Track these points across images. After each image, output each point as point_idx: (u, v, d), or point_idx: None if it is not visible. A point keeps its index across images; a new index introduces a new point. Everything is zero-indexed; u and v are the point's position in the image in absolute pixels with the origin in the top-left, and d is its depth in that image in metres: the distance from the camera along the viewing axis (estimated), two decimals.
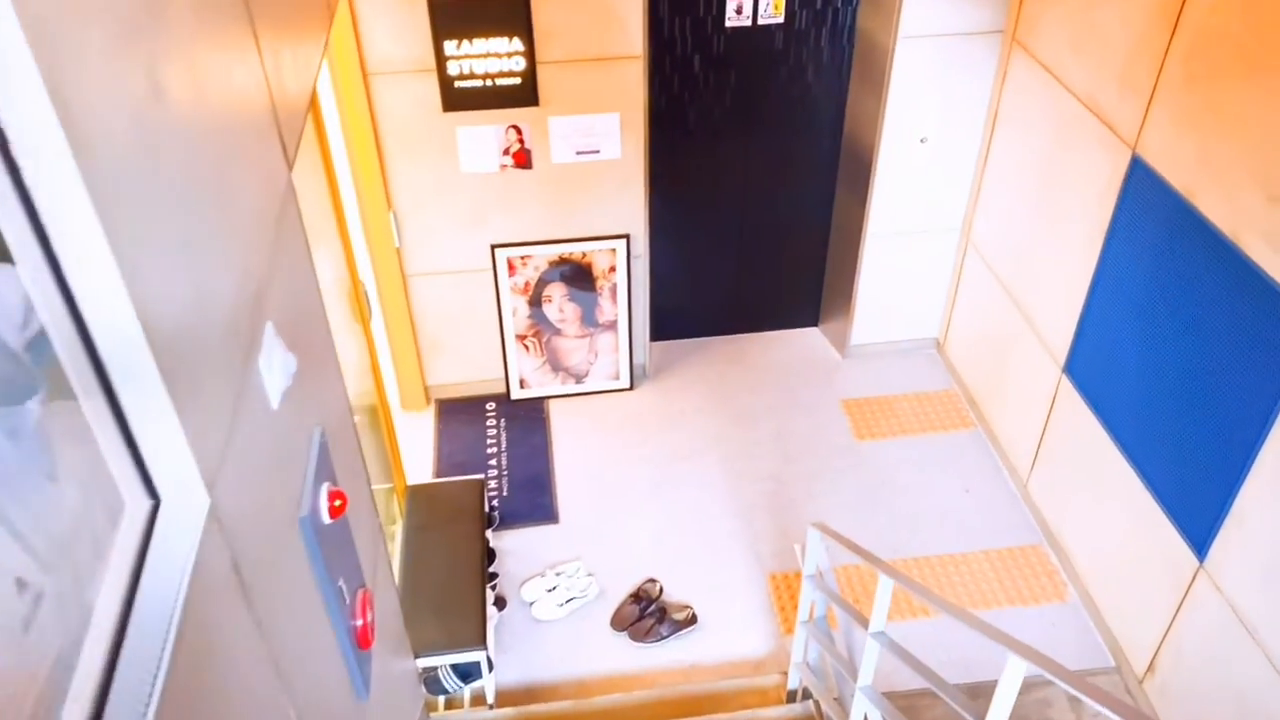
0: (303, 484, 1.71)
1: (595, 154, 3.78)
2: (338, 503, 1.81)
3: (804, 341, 4.75)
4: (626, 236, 4.02)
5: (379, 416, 3.41)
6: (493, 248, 3.97)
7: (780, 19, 3.83)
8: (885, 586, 2.14)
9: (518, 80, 3.53)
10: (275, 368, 1.53)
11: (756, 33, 3.85)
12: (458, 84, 3.51)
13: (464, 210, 3.86)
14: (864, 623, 2.25)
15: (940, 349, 4.60)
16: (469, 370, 4.37)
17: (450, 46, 3.43)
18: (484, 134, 3.66)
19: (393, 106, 3.56)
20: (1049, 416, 3.62)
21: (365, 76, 3.46)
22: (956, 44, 3.70)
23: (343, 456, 2.06)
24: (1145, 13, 2.81)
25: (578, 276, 4.10)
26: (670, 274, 4.49)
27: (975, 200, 4.07)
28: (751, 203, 4.32)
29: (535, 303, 4.15)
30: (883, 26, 3.70)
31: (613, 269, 4.10)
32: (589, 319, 4.22)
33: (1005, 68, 3.70)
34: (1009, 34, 3.65)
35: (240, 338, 1.37)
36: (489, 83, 3.52)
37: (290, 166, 1.87)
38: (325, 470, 1.82)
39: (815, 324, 4.82)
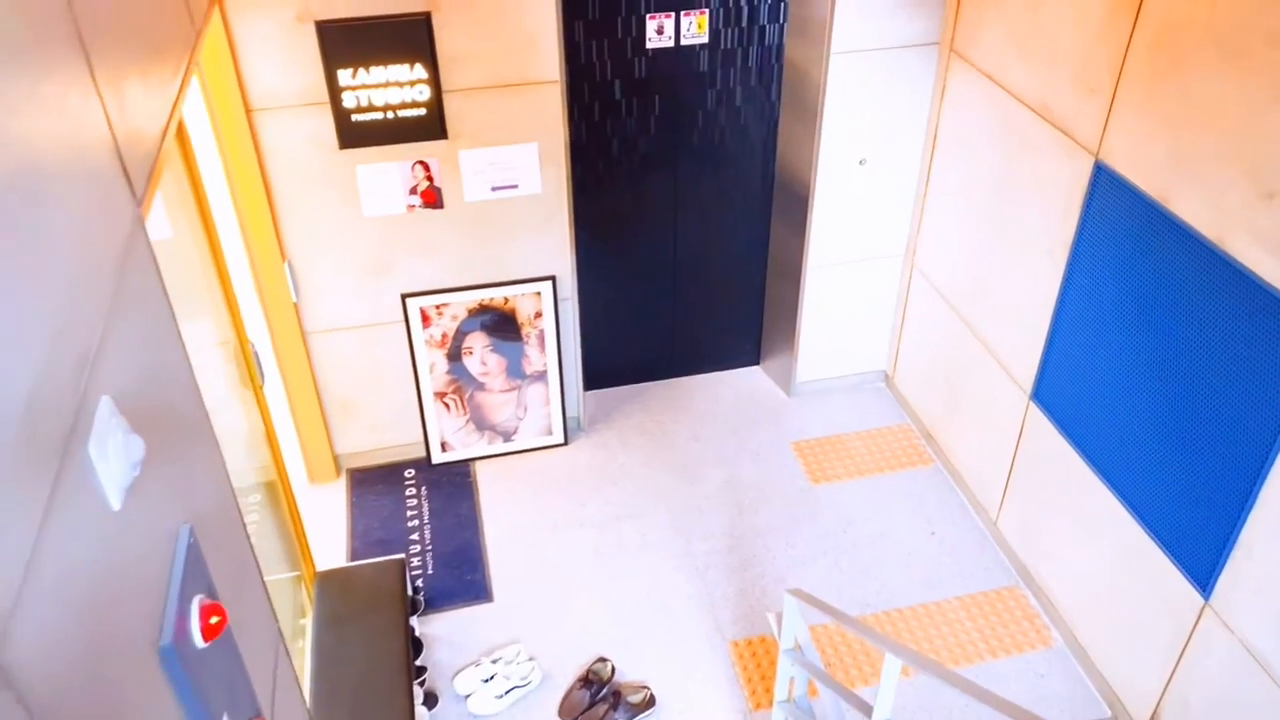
0: (163, 602, 1.34)
1: (513, 189, 3.48)
2: (214, 619, 1.43)
3: (747, 382, 4.50)
4: (552, 278, 3.72)
5: (279, 493, 3.00)
6: (403, 297, 3.62)
7: (704, 39, 3.62)
8: (891, 668, 1.84)
9: (422, 111, 3.22)
10: (114, 455, 1.16)
11: (680, 54, 3.63)
12: (355, 117, 3.18)
13: (369, 258, 3.51)
14: (862, 708, 1.95)
15: (890, 382, 4.39)
16: (383, 434, 3.98)
17: (344, 76, 3.11)
18: (387, 172, 3.33)
19: (282, 145, 3.20)
20: (1017, 448, 3.42)
21: (248, 113, 3.11)
22: (891, 59, 3.54)
23: (224, 556, 1.68)
24: (1101, 6, 2.66)
25: (500, 325, 3.77)
26: (601, 317, 4.20)
27: (919, 223, 3.90)
28: (684, 237, 4.07)
29: (454, 356, 3.80)
30: (812, 43, 3.52)
31: (539, 314, 3.79)
32: (515, 371, 3.89)
33: (944, 80, 3.55)
34: (946, 44, 3.50)
35: (53, 418, 1.02)
36: (390, 115, 3.20)
37: (141, 206, 1.52)
38: (197, 580, 1.44)
39: (757, 362, 4.57)
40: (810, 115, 3.64)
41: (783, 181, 3.96)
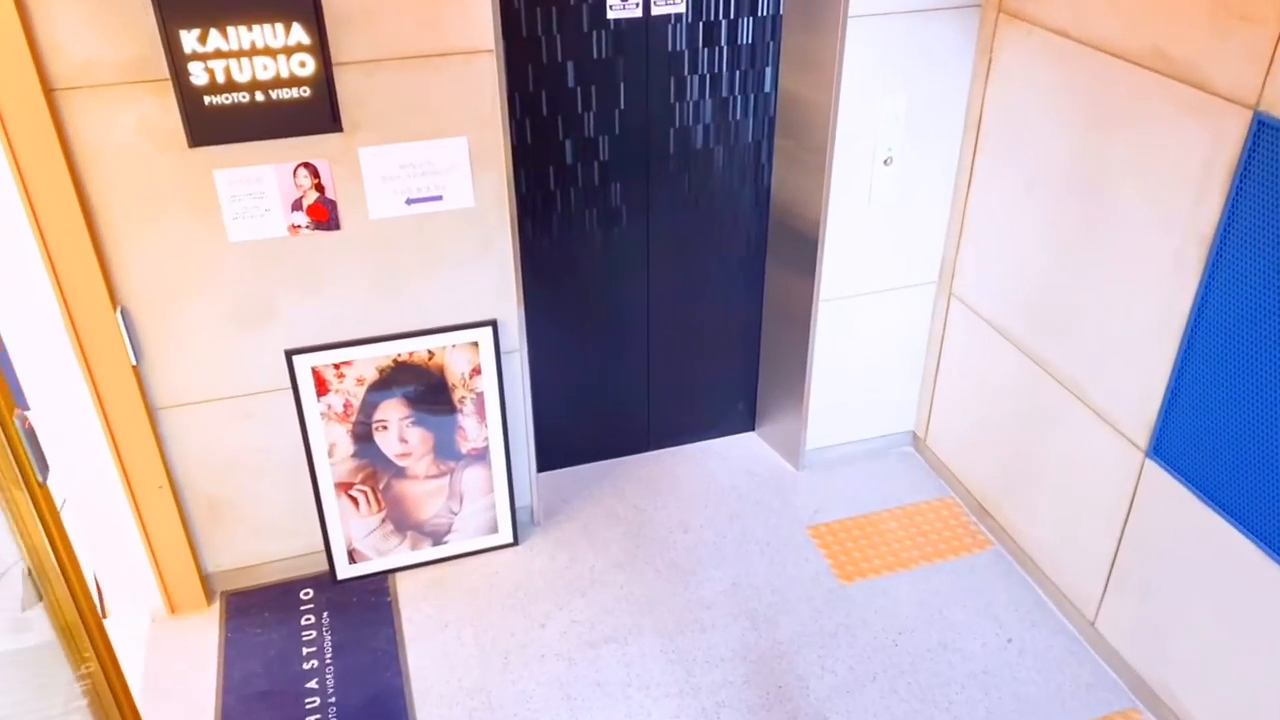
0: None
1: (436, 201, 2.64)
2: None
3: (743, 453, 3.64)
4: (492, 323, 2.86)
5: (90, 645, 2.03)
6: (289, 355, 2.72)
7: (680, 7, 2.86)
8: None
9: (305, 92, 2.38)
10: None
11: (651, 28, 2.86)
12: (209, 100, 2.32)
13: (239, 300, 2.61)
14: None
15: (921, 445, 3.58)
16: (269, 543, 3.02)
17: (190, 40, 2.25)
18: (259, 179, 2.47)
19: (103, 143, 2.32)
20: (1127, 521, 2.61)
21: (48, 95, 2.23)
22: (921, 26, 2.81)
23: None
24: None
25: (424, 388, 2.88)
26: (557, 375, 3.33)
27: (959, 237, 3.14)
28: (659, 269, 3.25)
29: (363, 433, 2.89)
30: (822, 7, 2.78)
31: (475, 372, 2.91)
32: (446, 449, 2.99)
33: (991, 50, 2.83)
34: (993, 4, 2.79)
35: None
36: (260, 97, 2.35)
37: None
38: None
39: (753, 428, 3.73)
40: (820, 106, 2.89)
41: (783, 196, 3.18)
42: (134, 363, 2.58)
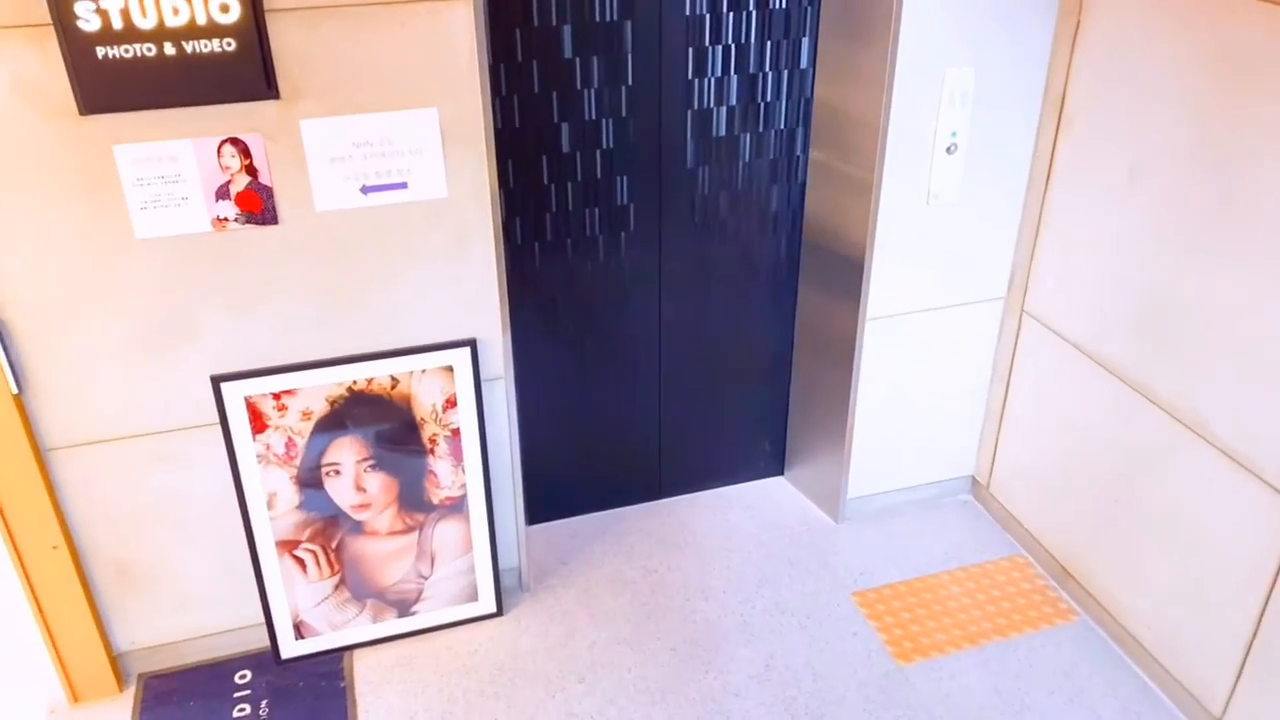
0: None
1: (399, 189, 2.14)
2: None
3: (770, 501, 3.12)
4: (470, 344, 2.35)
5: None
6: (216, 382, 2.20)
7: None
8: None
9: (229, 45, 1.89)
10: None
11: None
12: (104, 52, 1.83)
13: (150, 312, 2.10)
14: None
15: (983, 493, 3.05)
16: (195, 616, 2.48)
17: None
18: (173, 158, 1.97)
19: None
20: (1272, 590, 2.08)
21: None
22: None
23: None
24: None
25: (387, 424, 2.37)
26: (550, 408, 2.82)
27: (1034, 242, 2.64)
28: (672, 281, 2.75)
29: (310, 479, 2.36)
30: None
31: (450, 404, 2.39)
32: (413, 499, 2.46)
33: (1079, 6, 2.35)
34: None
35: None
36: (170, 49, 1.86)
37: None
38: None
39: (781, 472, 3.20)
40: (870, 84, 2.40)
41: (822, 192, 2.69)
42: (15, 391, 2.06)
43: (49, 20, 1.79)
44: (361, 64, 2.00)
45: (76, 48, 1.81)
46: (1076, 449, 2.61)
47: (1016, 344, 2.78)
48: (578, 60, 2.40)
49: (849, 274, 2.64)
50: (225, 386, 2.22)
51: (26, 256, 1.97)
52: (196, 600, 2.46)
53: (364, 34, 1.97)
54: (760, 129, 2.62)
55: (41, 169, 1.91)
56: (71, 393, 2.13)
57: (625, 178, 2.57)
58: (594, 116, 2.47)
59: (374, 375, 2.31)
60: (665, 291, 2.75)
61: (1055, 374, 2.64)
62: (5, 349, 2.02)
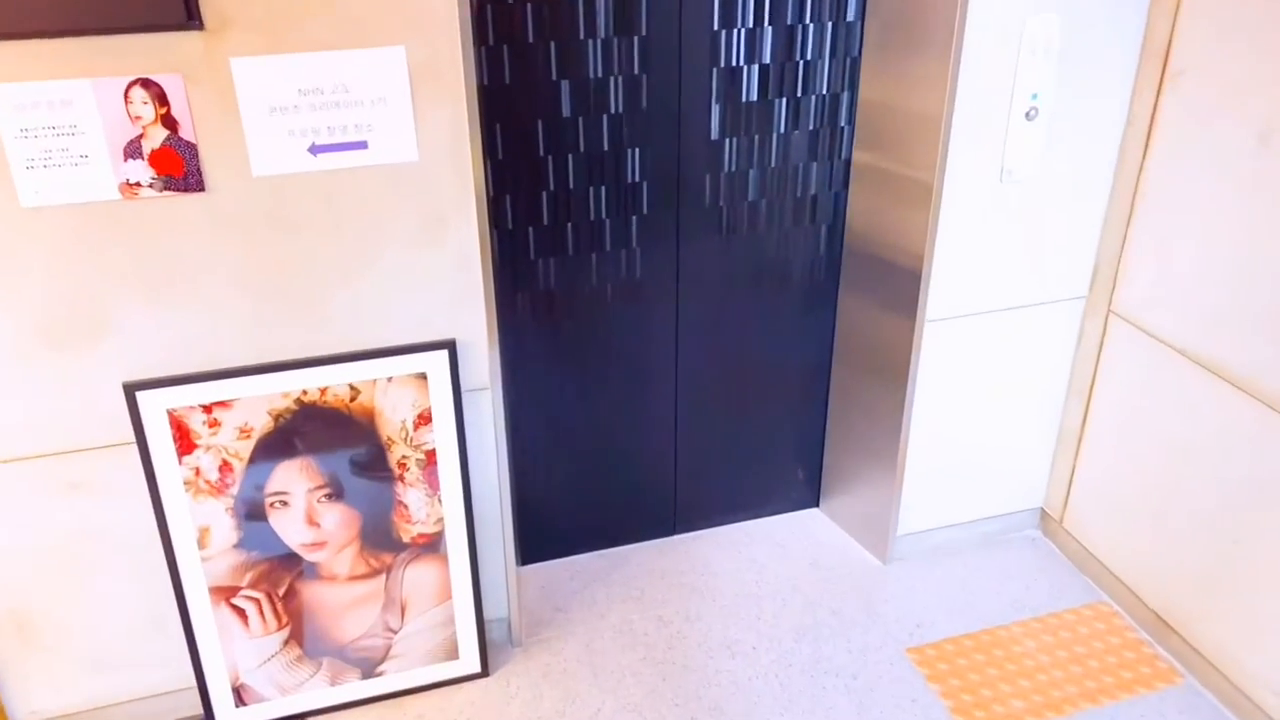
0: None
1: (358, 150, 1.73)
2: None
3: (804, 537, 2.68)
4: (449, 345, 1.92)
5: None
6: (129, 391, 1.78)
7: None
8: None
9: None
10: None
11: None
12: None
13: (43, 302, 1.69)
14: None
15: (1054, 528, 2.62)
16: (112, 677, 2.04)
17: None
18: (66, 103, 1.56)
19: None
20: None
21: None
22: None
23: None
24: None
25: (346, 444, 1.94)
26: (546, 427, 2.40)
27: (1127, 227, 2.22)
28: (692, 278, 2.33)
29: (253, 510, 1.94)
30: None
31: (424, 419, 1.97)
32: (379, 536, 2.03)
33: None
34: None
35: None
36: None
37: None
38: None
39: (816, 503, 2.77)
40: (935, 30, 2.00)
41: (872, 167, 2.28)
42: None
43: None
44: None
45: None
46: (1178, 475, 2.18)
47: (1101, 350, 2.35)
48: (580, 3, 2.00)
49: (903, 268, 2.22)
50: (142, 396, 1.80)
51: None
52: (113, 660, 2.02)
53: None
54: (799, 93, 2.21)
55: None
56: None
57: (637, 150, 2.16)
58: (600, 74, 2.07)
59: (329, 383, 1.89)
60: (684, 288, 2.33)
61: (1152, 385, 2.22)
62: None
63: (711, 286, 2.35)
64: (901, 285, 2.25)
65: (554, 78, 2.05)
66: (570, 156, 2.13)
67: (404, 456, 1.98)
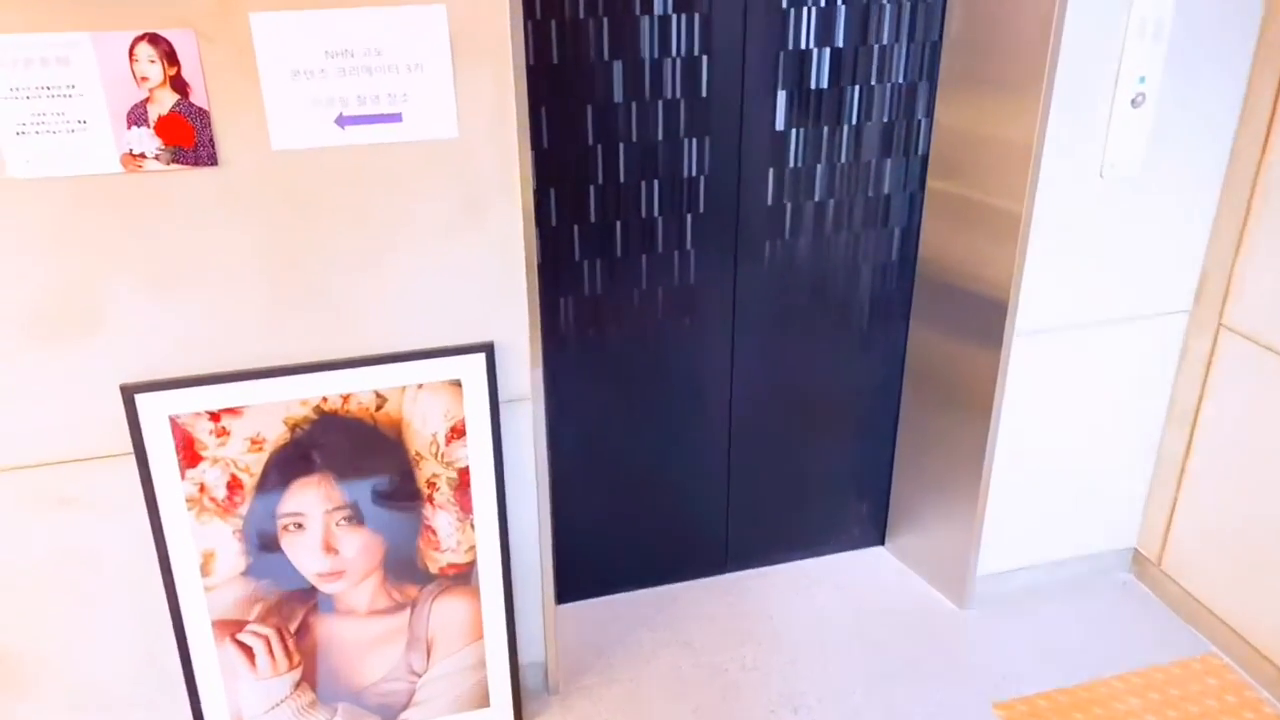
0: None
1: (391, 123, 1.54)
2: None
3: (871, 578, 2.43)
4: (486, 349, 1.72)
5: None
6: (127, 393, 1.58)
7: None
8: None
9: None
10: None
11: None
12: None
13: (32, 288, 1.50)
14: None
15: (1150, 570, 2.36)
16: (102, 718, 1.82)
17: None
18: (63, 60, 1.38)
19: None
20: None
21: None
22: None
23: None
24: None
25: (368, 459, 1.73)
26: (590, 449, 2.18)
27: (1242, 229, 2.00)
28: (750, 289, 2.12)
29: (263, 538, 1.72)
30: None
31: (457, 433, 1.75)
32: (403, 566, 1.81)
33: None
34: None
35: None
36: None
37: None
38: None
39: (881, 540, 2.53)
40: (1032, 9, 1.81)
41: (946, 200, 2.07)
42: None
43: None
44: None
45: None
46: None
47: (1209, 370, 2.12)
48: None
49: (985, 297, 2.00)
50: (141, 400, 1.60)
51: None
52: (104, 701, 1.80)
53: None
54: (873, 80, 2.01)
55: None
56: None
57: (695, 141, 1.97)
58: (656, 54, 1.88)
59: (352, 390, 1.69)
60: (741, 296, 2.12)
61: (1270, 407, 1.98)
62: None
63: (771, 294, 2.14)
64: (983, 312, 2.03)
65: (605, 58, 1.86)
66: (621, 146, 1.93)
67: (434, 475, 1.77)
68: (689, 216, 2.02)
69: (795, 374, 2.24)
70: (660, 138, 1.94)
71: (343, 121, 1.52)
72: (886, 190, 2.12)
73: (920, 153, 2.10)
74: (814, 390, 2.27)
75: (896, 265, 2.19)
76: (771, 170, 2.03)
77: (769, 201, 2.05)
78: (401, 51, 1.50)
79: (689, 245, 2.05)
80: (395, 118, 1.54)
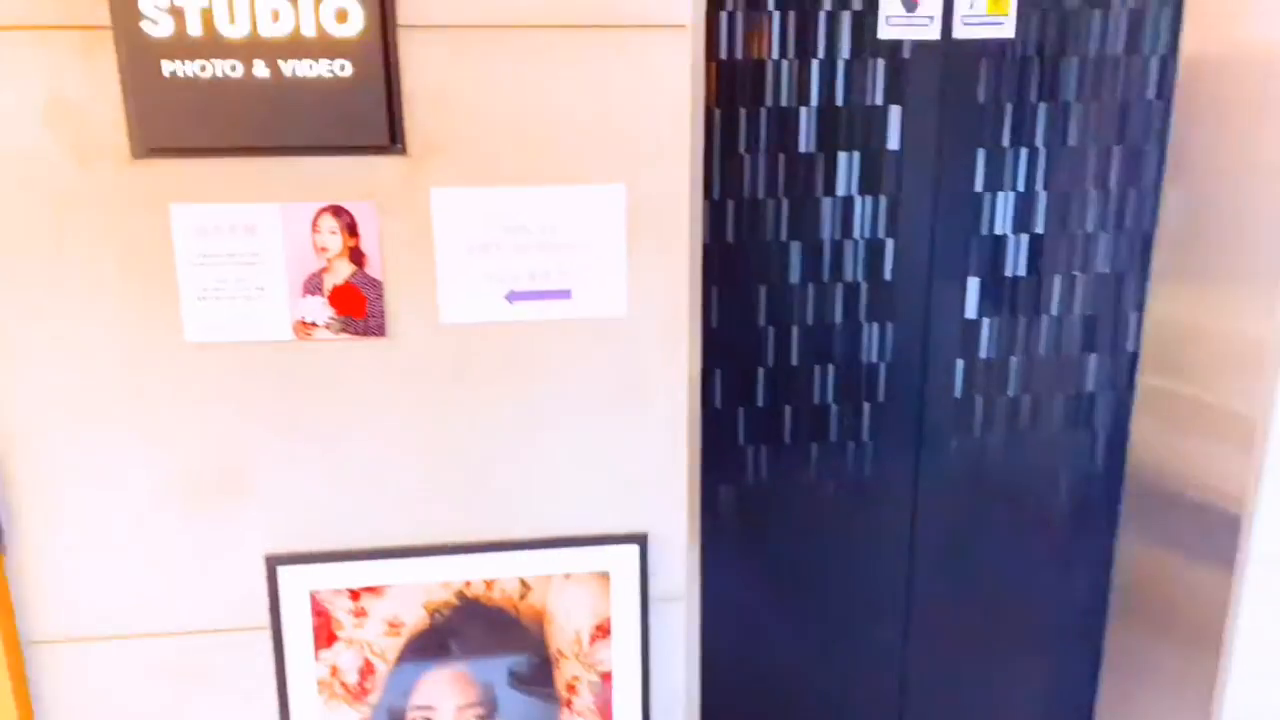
0: None
1: (559, 300, 1.48)
2: None
3: None
4: (640, 541, 1.59)
5: None
6: (271, 564, 1.53)
7: (1006, 25, 1.74)
8: None
9: (343, 69, 1.34)
10: None
11: (951, 57, 1.74)
12: (172, 68, 1.31)
13: (189, 451, 1.48)
14: None
15: None
16: None
17: None
18: (251, 228, 1.40)
19: None
20: None
21: None
22: None
23: None
24: None
25: (507, 653, 1.60)
26: (741, 656, 1.99)
27: None
28: (934, 489, 1.93)
29: None
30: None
31: (602, 632, 1.61)
32: None
33: None
34: None
35: None
36: (262, 70, 1.33)
37: None
38: None
39: None
40: (1263, 206, 1.63)
41: (1162, 398, 1.86)
42: None
43: (106, 21, 1.30)
44: (524, 112, 1.41)
45: (138, 59, 1.30)
46: None
47: None
48: (821, 157, 1.76)
49: (1213, 509, 1.75)
50: (284, 572, 1.54)
51: (31, 359, 1.41)
52: None
53: (534, 68, 1.39)
54: (1075, 269, 1.86)
55: (65, 234, 1.37)
56: (68, 557, 1.50)
57: (876, 326, 1.84)
58: (837, 236, 1.80)
59: (498, 576, 1.58)
60: (923, 497, 1.93)
61: None
62: None
63: (957, 495, 1.94)
64: (1210, 529, 1.77)
65: (783, 238, 1.79)
66: (795, 329, 1.83)
67: (575, 677, 1.62)
68: (867, 405, 1.88)
69: (982, 584, 2.00)
70: (838, 321, 1.83)
71: (512, 297, 1.47)
72: (1090, 387, 1.92)
73: (1130, 348, 1.90)
74: (1004, 604, 2.02)
75: (1102, 469, 1.96)
76: (960, 361, 1.87)
77: (957, 394, 1.89)
78: (577, 229, 1.46)
79: (865, 436, 1.89)
80: (564, 294, 1.49)
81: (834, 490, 1.92)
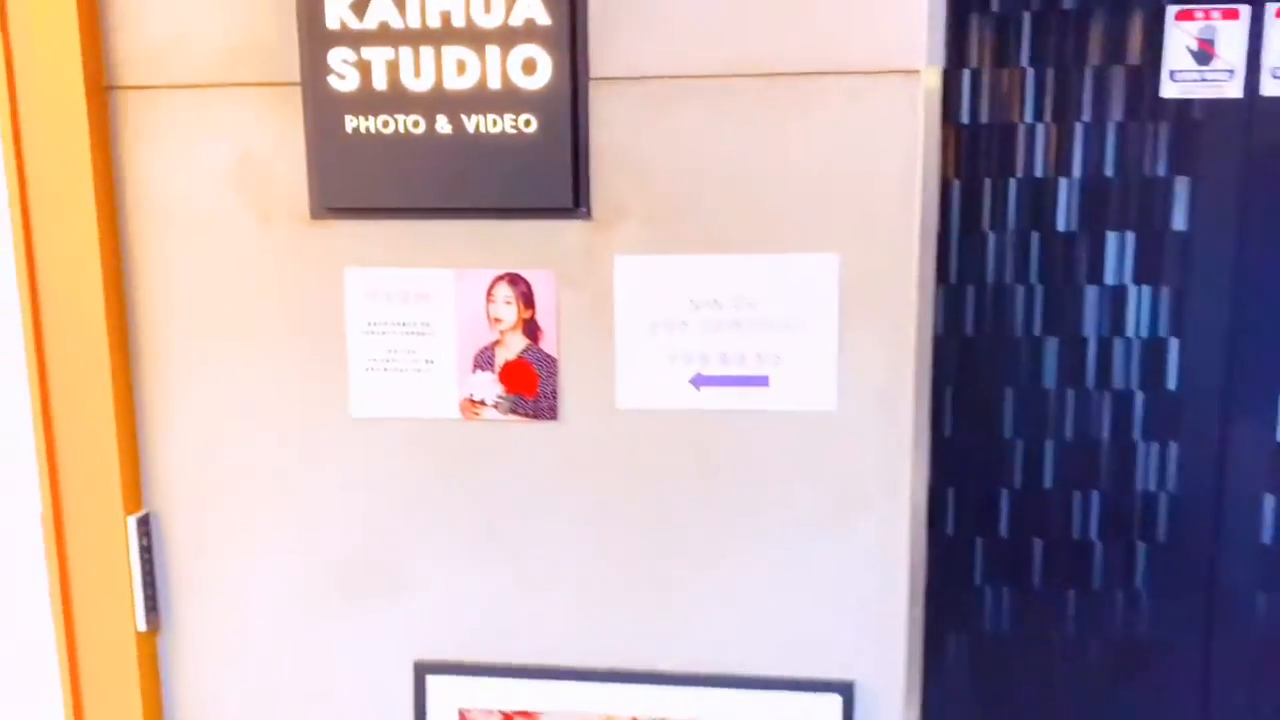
0: None
1: (755, 387, 1.27)
2: None
3: None
4: (844, 689, 1.31)
5: None
6: (420, 672, 1.37)
7: None
8: None
9: (528, 124, 1.22)
10: None
11: (1257, 119, 1.42)
12: (356, 124, 1.25)
13: (342, 538, 1.36)
14: None
15: None
16: None
17: (337, 14, 1.24)
18: (425, 296, 1.30)
19: (169, 197, 1.31)
20: None
21: (96, 94, 1.30)
22: None
23: None
24: None
25: None
26: None
27: None
28: (1232, 647, 1.52)
29: None
30: None
31: None
32: None
33: None
34: None
35: None
36: (444, 125, 1.23)
37: None
38: None
39: None
40: None
41: None
42: (142, 628, 1.38)
43: (296, 77, 1.26)
44: (722, 173, 1.24)
45: (323, 114, 1.25)
46: None
47: None
48: (1084, 237, 1.47)
49: None
50: (433, 682, 1.38)
51: (194, 425, 1.36)
52: None
53: (731, 126, 1.23)
54: None
55: (237, 298, 1.32)
56: (218, 640, 1.40)
57: (1154, 446, 1.49)
58: (1105, 332, 1.49)
59: (669, 714, 1.34)
60: (1218, 668, 1.52)
61: None
62: (141, 562, 1.37)
63: (1264, 667, 1.51)
64: None
65: (1035, 333, 1.50)
66: (1049, 444, 1.51)
67: None
68: (1141, 545, 1.51)
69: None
70: (1105, 435, 1.50)
71: (699, 382, 1.28)
72: None
73: None
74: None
75: None
76: (1270, 496, 1.48)
77: (1264, 538, 1.49)
78: (779, 305, 1.25)
79: (1138, 582, 1.52)
80: (761, 381, 1.27)
81: (1096, 647, 1.54)
